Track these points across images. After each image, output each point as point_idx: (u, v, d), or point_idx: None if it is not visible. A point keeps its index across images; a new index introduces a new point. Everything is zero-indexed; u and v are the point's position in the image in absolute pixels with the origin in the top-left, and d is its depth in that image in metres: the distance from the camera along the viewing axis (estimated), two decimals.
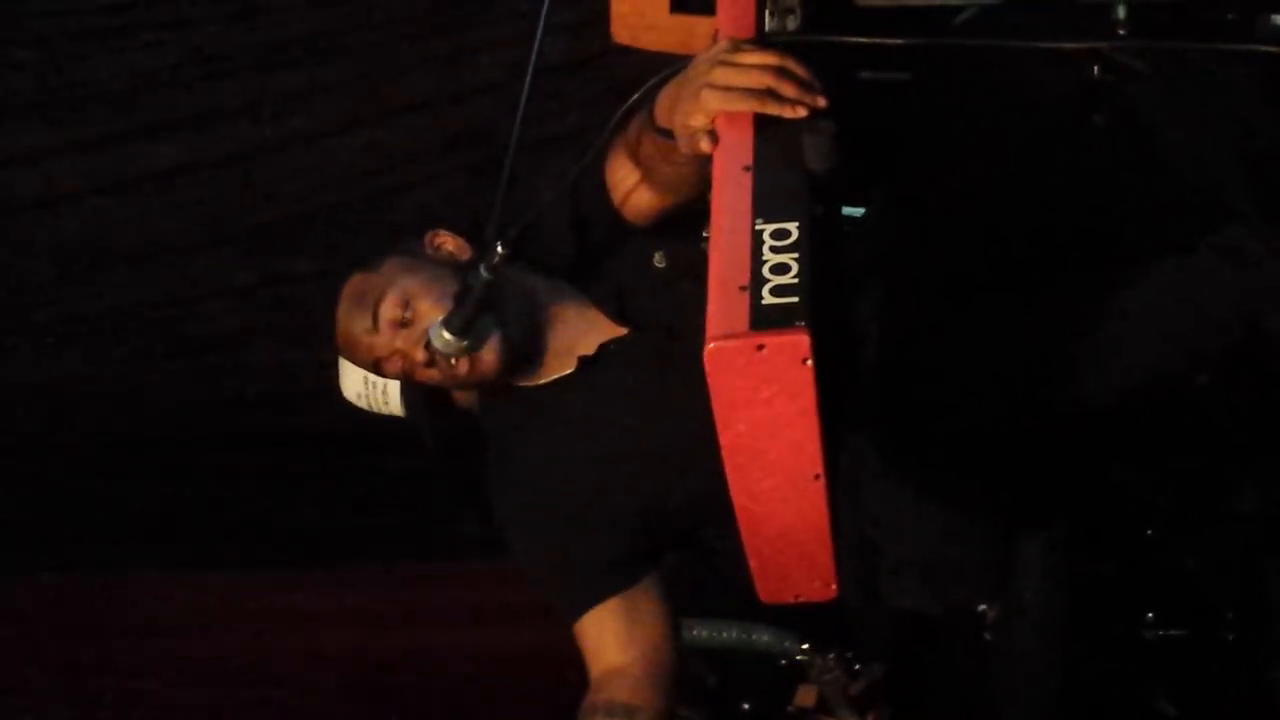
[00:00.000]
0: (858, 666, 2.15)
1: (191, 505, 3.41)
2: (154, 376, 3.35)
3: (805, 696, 2.23)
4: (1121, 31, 1.76)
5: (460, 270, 1.98)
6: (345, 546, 3.37)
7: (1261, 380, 1.92)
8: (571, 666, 2.02)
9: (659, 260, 2.04)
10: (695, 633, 2.22)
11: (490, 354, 1.96)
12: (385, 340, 2.00)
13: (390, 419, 2.25)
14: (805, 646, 2.18)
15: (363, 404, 2.24)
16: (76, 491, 3.42)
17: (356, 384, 2.21)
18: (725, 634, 2.25)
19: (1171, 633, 2.09)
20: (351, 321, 2.03)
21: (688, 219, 1.92)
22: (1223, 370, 1.91)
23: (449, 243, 2.09)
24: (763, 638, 2.24)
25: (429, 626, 3.26)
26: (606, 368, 2.04)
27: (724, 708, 2.33)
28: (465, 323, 1.87)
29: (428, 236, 2.10)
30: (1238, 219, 1.83)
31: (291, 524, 3.40)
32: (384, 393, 2.20)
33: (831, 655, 2.15)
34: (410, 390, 2.17)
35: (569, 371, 2.06)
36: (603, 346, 2.04)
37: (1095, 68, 1.82)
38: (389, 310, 1.98)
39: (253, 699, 3.25)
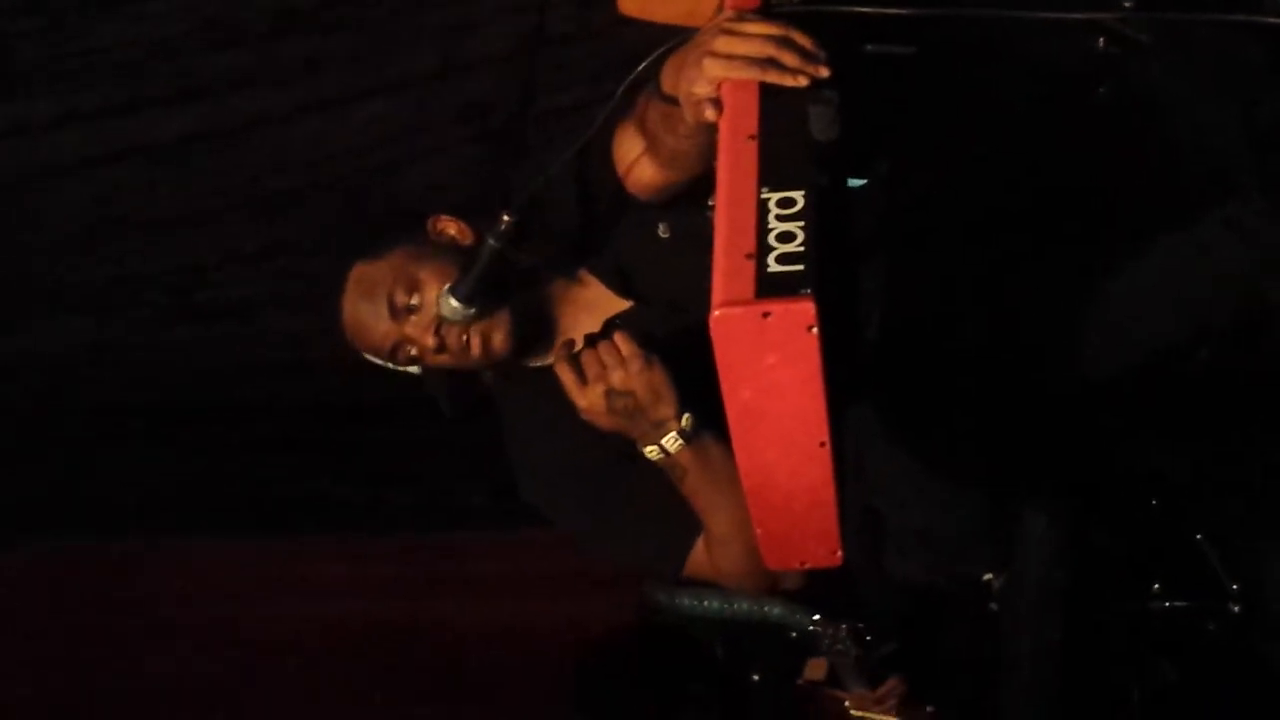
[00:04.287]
0: (869, 639, 2.14)
1: (201, 474, 3.42)
2: (164, 345, 3.36)
3: (815, 669, 2.23)
4: (1127, 4, 1.76)
5: (464, 254, 1.99)
6: (354, 515, 3.38)
7: (1264, 353, 1.92)
8: (583, 634, 2.00)
9: (663, 231, 2.04)
10: (707, 603, 2.23)
11: (500, 331, 1.98)
12: (395, 327, 2.02)
13: (401, 388, 2.25)
14: (816, 618, 2.18)
15: (383, 364, 2.25)
16: (85, 461, 3.43)
17: None
18: (737, 604, 2.25)
19: (1176, 604, 2.09)
20: (360, 311, 2.05)
21: (691, 192, 1.92)
22: (1226, 343, 1.91)
23: (450, 227, 2.09)
24: (774, 609, 2.24)
25: (438, 596, 3.26)
26: None
27: (732, 679, 2.33)
28: (472, 290, 1.88)
29: (429, 222, 2.10)
30: (1241, 192, 1.83)
31: (300, 492, 3.40)
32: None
33: (844, 627, 2.14)
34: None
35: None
36: (608, 322, 2.05)
37: (1101, 40, 1.82)
38: (399, 297, 2.00)
39: (260, 668, 3.25)
